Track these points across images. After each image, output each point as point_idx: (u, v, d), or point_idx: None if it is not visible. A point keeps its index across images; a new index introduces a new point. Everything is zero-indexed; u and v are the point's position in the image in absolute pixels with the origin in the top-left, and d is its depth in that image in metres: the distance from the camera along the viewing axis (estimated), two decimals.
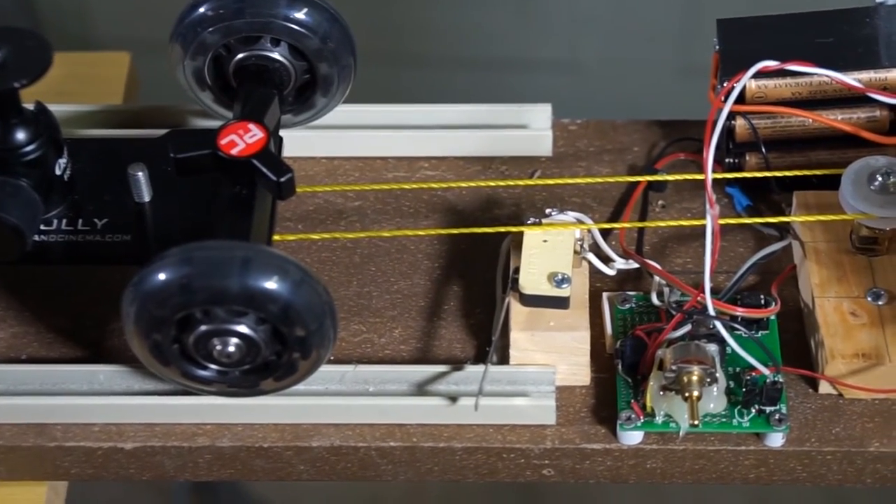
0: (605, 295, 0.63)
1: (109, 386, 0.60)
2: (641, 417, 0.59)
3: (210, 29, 0.62)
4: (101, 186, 0.61)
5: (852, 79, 0.61)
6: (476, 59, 1.15)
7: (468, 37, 1.15)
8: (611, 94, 1.12)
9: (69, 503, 0.64)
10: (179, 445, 0.60)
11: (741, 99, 0.62)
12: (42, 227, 0.60)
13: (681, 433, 0.58)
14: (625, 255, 0.64)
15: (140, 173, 0.59)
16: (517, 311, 0.60)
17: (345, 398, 0.60)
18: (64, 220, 0.60)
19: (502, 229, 0.62)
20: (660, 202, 0.68)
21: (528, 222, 0.61)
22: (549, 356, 0.60)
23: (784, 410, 0.59)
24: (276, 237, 0.61)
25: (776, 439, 0.59)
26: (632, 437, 0.59)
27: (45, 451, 0.60)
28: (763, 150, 0.65)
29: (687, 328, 0.59)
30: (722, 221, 0.59)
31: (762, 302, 0.61)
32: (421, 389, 0.60)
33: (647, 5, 1.11)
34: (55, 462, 0.60)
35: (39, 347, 0.63)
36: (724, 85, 0.60)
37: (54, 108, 0.61)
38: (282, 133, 0.63)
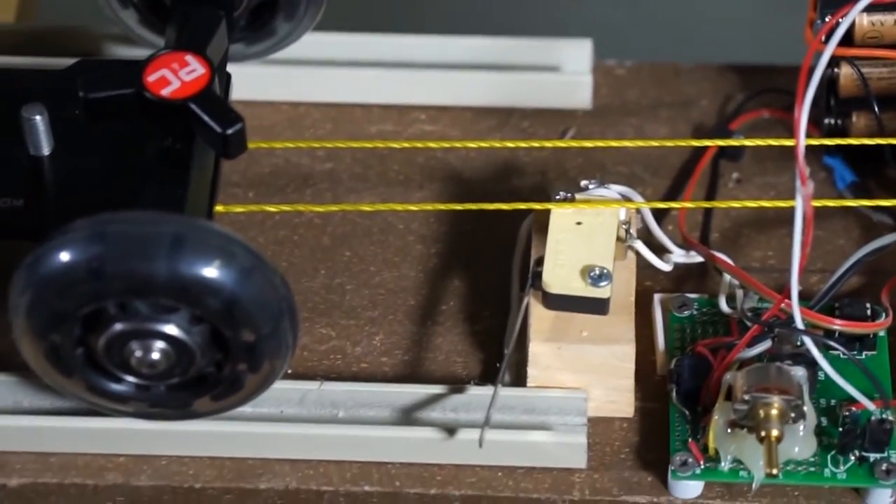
0: (657, 297, 0.63)
1: None
2: (702, 463, 0.59)
3: None
4: None
5: None
6: None
7: None
8: (672, 28, 1.12)
9: None
10: (82, 483, 0.60)
11: (848, 39, 0.63)
12: None
13: (754, 485, 0.59)
14: (685, 246, 0.64)
15: (37, 117, 0.60)
16: (539, 317, 0.61)
17: (306, 426, 0.60)
18: None
19: (522, 206, 0.63)
20: (734, 175, 0.68)
21: (557, 198, 0.62)
22: (579, 377, 0.61)
23: (894, 459, 0.59)
24: (218, 208, 0.61)
25: (883, 497, 0.59)
26: (688, 489, 0.60)
27: None
28: (876, 108, 0.65)
29: (766, 345, 0.60)
30: (816, 203, 0.60)
31: (868, 313, 0.61)
32: (407, 417, 0.60)
33: None
34: None
35: None
36: (827, 19, 0.60)
37: None
38: (230, 69, 0.63)
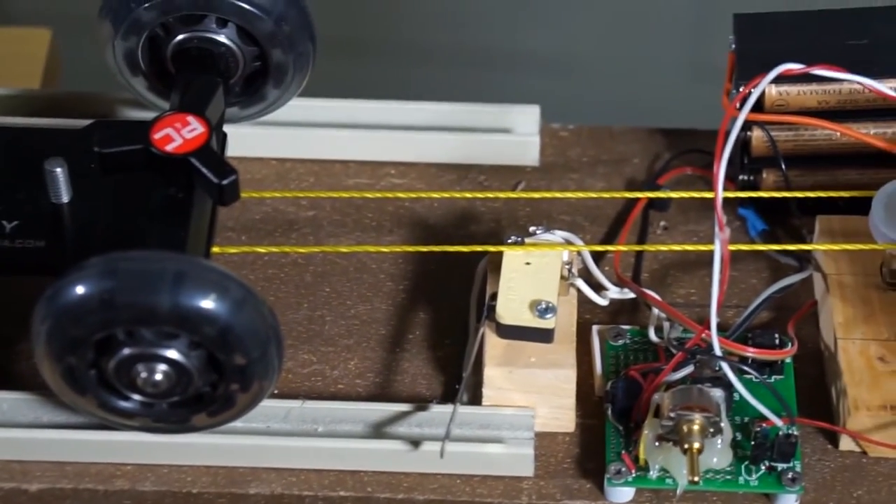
0: (595, 328, 0.63)
1: (14, 417, 0.60)
2: (633, 471, 0.59)
3: (146, 4, 0.62)
4: (12, 184, 0.60)
5: (888, 87, 0.61)
6: (455, 53, 1.16)
7: (445, 26, 1.15)
8: (608, 96, 1.13)
9: None
10: (94, 489, 0.60)
11: (759, 107, 0.63)
12: None
13: (678, 491, 0.59)
14: (619, 283, 0.64)
15: (58, 169, 0.59)
16: (493, 344, 0.60)
17: (289, 439, 0.60)
18: None
19: (479, 248, 0.63)
20: (662, 223, 0.68)
21: (509, 241, 0.62)
22: (528, 397, 0.60)
23: (798, 468, 0.59)
24: (215, 249, 0.61)
25: (789, 502, 0.59)
26: (621, 494, 0.59)
27: None
28: (783, 166, 0.65)
29: (689, 370, 0.60)
30: (732, 247, 0.60)
31: (777, 342, 0.61)
32: (378, 431, 0.60)
33: None
34: None
35: None
36: (740, 90, 0.61)
37: None
38: (226, 129, 0.63)
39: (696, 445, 0.57)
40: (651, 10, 1.12)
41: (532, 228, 0.62)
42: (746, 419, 0.60)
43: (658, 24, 1.12)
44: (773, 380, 0.61)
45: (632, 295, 0.64)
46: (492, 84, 1.13)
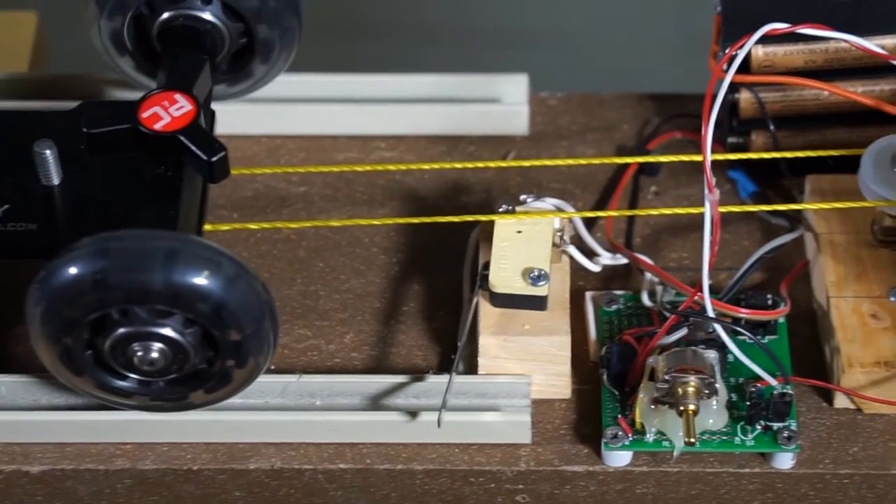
0: (588, 294, 0.63)
1: (13, 399, 0.60)
2: (630, 435, 0.59)
3: None
4: (1, 167, 0.60)
5: (875, 44, 0.61)
6: (439, 27, 1.15)
7: (432, 1, 1.15)
8: (597, 66, 1.12)
9: None
10: (95, 468, 0.60)
11: (746, 68, 0.63)
12: None
13: (675, 453, 0.59)
14: (612, 249, 0.64)
15: (47, 151, 0.59)
16: (487, 313, 0.60)
17: (287, 413, 0.60)
18: None
19: (470, 218, 0.63)
20: (652, 188, 0.68)
21: (500, 210, 0.62)
22: (523, 365, 0.60)
23: (794, 427, 0.59)
24: (207, 227, 0.61)
25: (785, 460, 0.59)
26: (619, 458, 0.59)
27: None
28: (771, 127, 0.65)
29: (682, 332, 0.60)
30: (723, 209, 0.60)
31: (769, 303, 0.61)
32: (376, 403, 0.60)
33: None
34: None
35: None
36: (727, 51, 0.61)
37: None
38: (214, 106, 0.63)
39: (692, 407, 0.58)
40: None
41: (523, 197, 0.62)
42: (741, 380, 0.60)
43: None
44: (766, 340, 0.61)
45: (624, 260, 0.64)
46: (480, 58, 1.13)
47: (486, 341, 0.60)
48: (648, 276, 0.63)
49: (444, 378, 0.60)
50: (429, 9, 1.15)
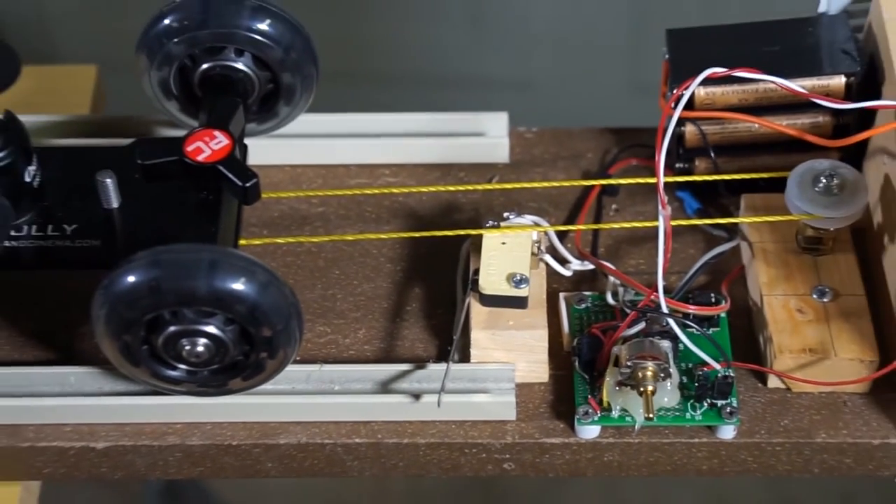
0: (561, 295, 0.63)
1: (81, 387, 0.60)
2: (598, 412, 0.59)
3: (175, 40, 0.62)
4: (70, 193, 0.61)
5: (797, 85, 0.62)
6: (432, 76, 1.16)
7: (424, 54, 1.15)
8: (564, 108, 1.13)
9: (42, 503, 0.64)
10: (150, 444, 0.60)
11: (690, 105, 0.63)
12: (12, 234, 0.59)
13: (636, 427, 0.59)
14: (580, 257, 0.64)
15: (108, 180, 0.59)
16: (477, 311, 0.61)
17: (311, 397, 0.60)
18: (34, 227, 0.60)
19: (462, 232, 0.63)
20: (613, 206, 0.68)
21: (487, 225, 0.62)
22: (508, 354, 0.61)
23: (735, 404, 0.59)
24: (241, 241, 0.61)
25: (728, 432, 0.59)
26: (589, 431, 0.60)
27: (18, 451, 0.60)
28: (712, 154, 0.65)
29: (641, 326, 0.60)
30: (674, 223, 0.60)
31: (713, 300, 0.62)
32: (385, 388, 0.60)
33: (596, 22, 1.12)
34: (28, 462, 0.60)
35: (11, 350, 0.62)
36: (674, 91, 0.61)
37: (23, 118, 0.61)
38: (246, 141, 0.63)
39: (650, 388, 0.58)
40: (594, 35, 1.12)
41: (506, 214, 0.62)
42: (690, 365, 0.60)
43: (601, 47, 1.12)
44: (710, 331, 0.62)
45: (591, 266, 0.64)
46: (465, 103, 1.12)
47: (477, 335, 0.60)
48: (612, 279, 0.63)
49: (442, 366, 0.60)
50: (424, 61, 1.15)
